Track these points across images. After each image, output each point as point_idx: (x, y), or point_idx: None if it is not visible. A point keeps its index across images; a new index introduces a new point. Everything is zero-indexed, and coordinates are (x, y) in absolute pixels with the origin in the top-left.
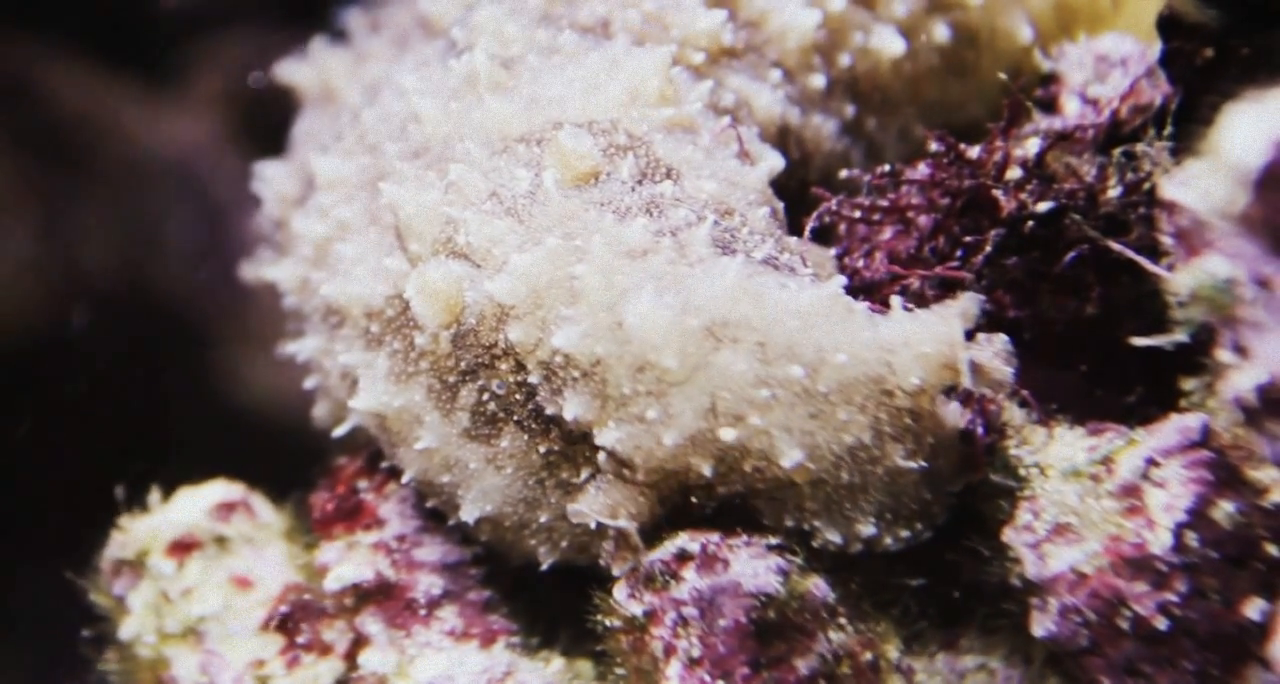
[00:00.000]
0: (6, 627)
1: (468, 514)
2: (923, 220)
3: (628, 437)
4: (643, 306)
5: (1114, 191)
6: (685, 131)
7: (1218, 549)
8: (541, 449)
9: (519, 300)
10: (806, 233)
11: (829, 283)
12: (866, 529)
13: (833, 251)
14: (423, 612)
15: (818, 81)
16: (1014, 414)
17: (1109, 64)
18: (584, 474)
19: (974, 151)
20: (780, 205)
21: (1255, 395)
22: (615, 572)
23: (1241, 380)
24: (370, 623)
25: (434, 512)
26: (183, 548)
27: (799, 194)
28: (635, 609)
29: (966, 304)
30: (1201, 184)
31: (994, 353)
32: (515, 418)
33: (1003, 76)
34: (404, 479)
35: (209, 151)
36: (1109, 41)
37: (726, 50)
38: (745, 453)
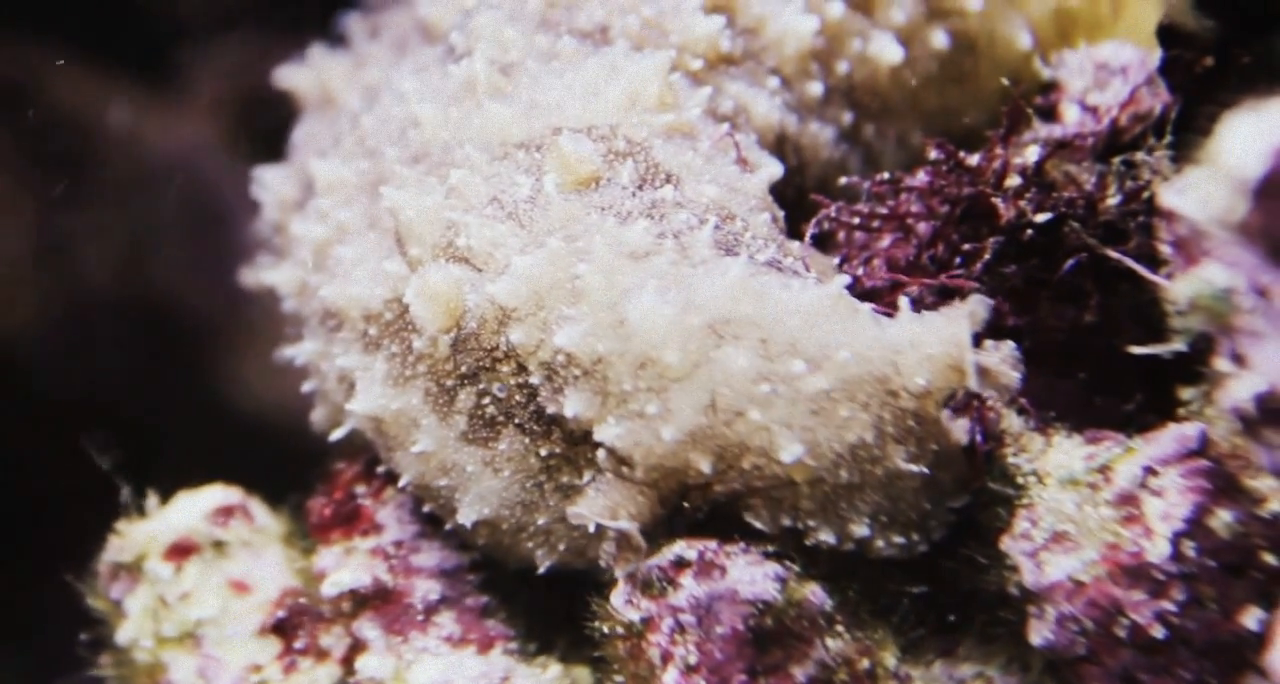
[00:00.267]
0: (4, 630)
1: (465, 517)
2: (922, 228)
3: (627, 432)
4: (645, 304)
5: (1113, 200)
6: (684, 137)
7: (1215, 558)
8: (542, 451)
9: (521, 302)
10: (807, 239)
11: (832, 283)
12: (860, 530)
13: (835, 260)
14: (420, 617)
15: (815, 88)
16: (1012, 422)
17: (1109, 71)
18: (585, 477)
19: (973, 159)
20: (781, 213)
21: (1253, 404)
22: (617, 573)
23: (1239, 389)
24: (368, 628)
25: (432, 517)
26: (180, 552)
27: (796, 201)
28: (632, 616)
29: (974, 307)
30: (1200, 192)
31: (1001, 358)
32: (516, 420)
33: (1005, 82)
34: (401, 483)
35: (208, 156)
36: (1109, 49)
37: (725, 56)
38: (745, 449)
